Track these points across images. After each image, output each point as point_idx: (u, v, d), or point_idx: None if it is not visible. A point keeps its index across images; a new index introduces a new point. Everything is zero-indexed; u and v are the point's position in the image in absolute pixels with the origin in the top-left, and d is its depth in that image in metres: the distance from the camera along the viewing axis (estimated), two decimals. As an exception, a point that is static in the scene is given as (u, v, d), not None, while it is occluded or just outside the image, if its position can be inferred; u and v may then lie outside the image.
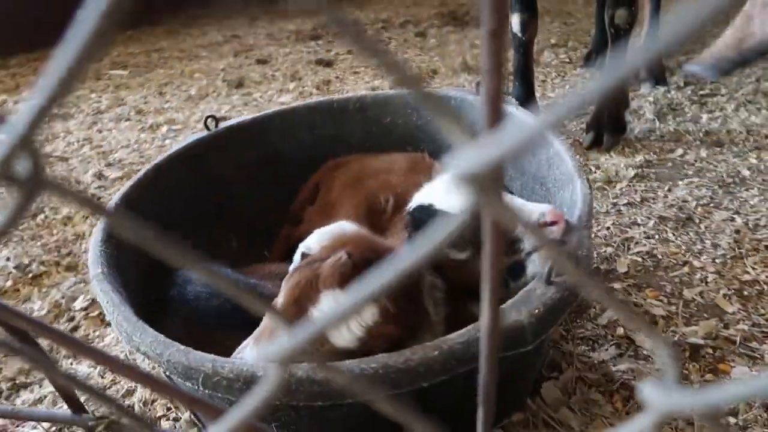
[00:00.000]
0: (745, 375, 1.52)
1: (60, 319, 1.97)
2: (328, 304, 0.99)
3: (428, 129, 1.97)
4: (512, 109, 1.70)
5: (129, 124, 3.59)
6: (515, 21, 2.76)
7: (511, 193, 1.20)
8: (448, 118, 0.29)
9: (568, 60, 4.02)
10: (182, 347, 1.05)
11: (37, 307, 2.03)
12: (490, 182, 0.28)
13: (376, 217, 1.71)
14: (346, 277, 1.00)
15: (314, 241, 1.18)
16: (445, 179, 1.22)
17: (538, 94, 3.19)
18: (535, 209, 1.09)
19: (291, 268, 1.32)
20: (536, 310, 1.03)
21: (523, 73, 2.91)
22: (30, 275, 2.19)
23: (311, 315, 1.00)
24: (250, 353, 1.05)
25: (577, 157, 1.41)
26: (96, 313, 1.96)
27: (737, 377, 1.53)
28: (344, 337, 0.99)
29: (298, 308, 1.01)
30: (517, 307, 1.04)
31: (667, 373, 0.38)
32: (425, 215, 1.20)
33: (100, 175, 2.84)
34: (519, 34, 2.78)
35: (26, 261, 2.26)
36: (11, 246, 2.36)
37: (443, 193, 1.17)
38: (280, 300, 1.04)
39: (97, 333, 1.88)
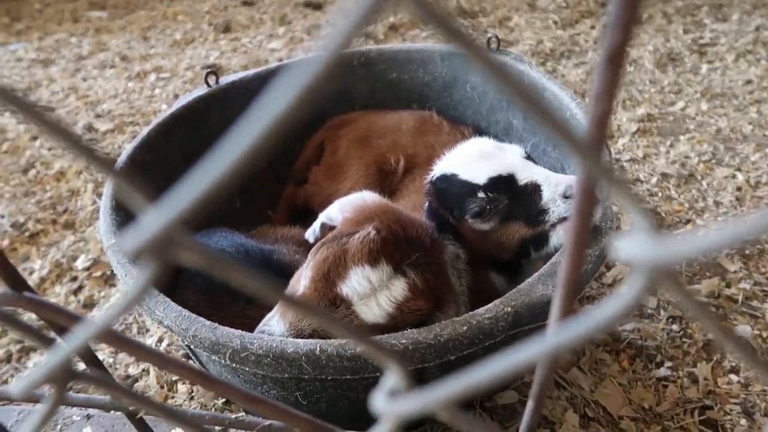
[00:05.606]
0: (747, 333, 1.57)
1: (62, 279, 1.95)
2: (357, 280, 0.99)
3: (435, 86, 1.92)
4: (525, 67, 1.66)
5: (114, 72, 3.46)
6: None
7: (535, 162, 1.18)
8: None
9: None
10: (208, 323, 1.05)
11: (38, 267, 2.00)
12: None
13: (386, 178, 1.68)
14: (374, 253, 0.99)
15: (336, 212, 1.16)
16: (468, 148, 1.19)
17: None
18: (562, 180, 1.08)
19: (307, 235, 1.30)
20: (563, 284, 1.03)
21: None
22: (27, 234, 2.15)
23: (340, 291, 1.00)
24: (277, 326, 1.04)
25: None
26: (99, 273, 1.93)
27: (740, 334, 1.58)
28: (374, 312, 0.99)
29: (326, 283, 1.00)
30: (544, 281, 1.05)
31: (638, 225, 0.28)
32: (448, 185, 1.18)
33: (90, 128, 2.75)
34: None
35: (21, 219, 2.21)
36: (4, 203, 2.30)
37: (467, 162, 1.15)
38: (307, 274, 1.03)
39: (102, 294, 1.87)
